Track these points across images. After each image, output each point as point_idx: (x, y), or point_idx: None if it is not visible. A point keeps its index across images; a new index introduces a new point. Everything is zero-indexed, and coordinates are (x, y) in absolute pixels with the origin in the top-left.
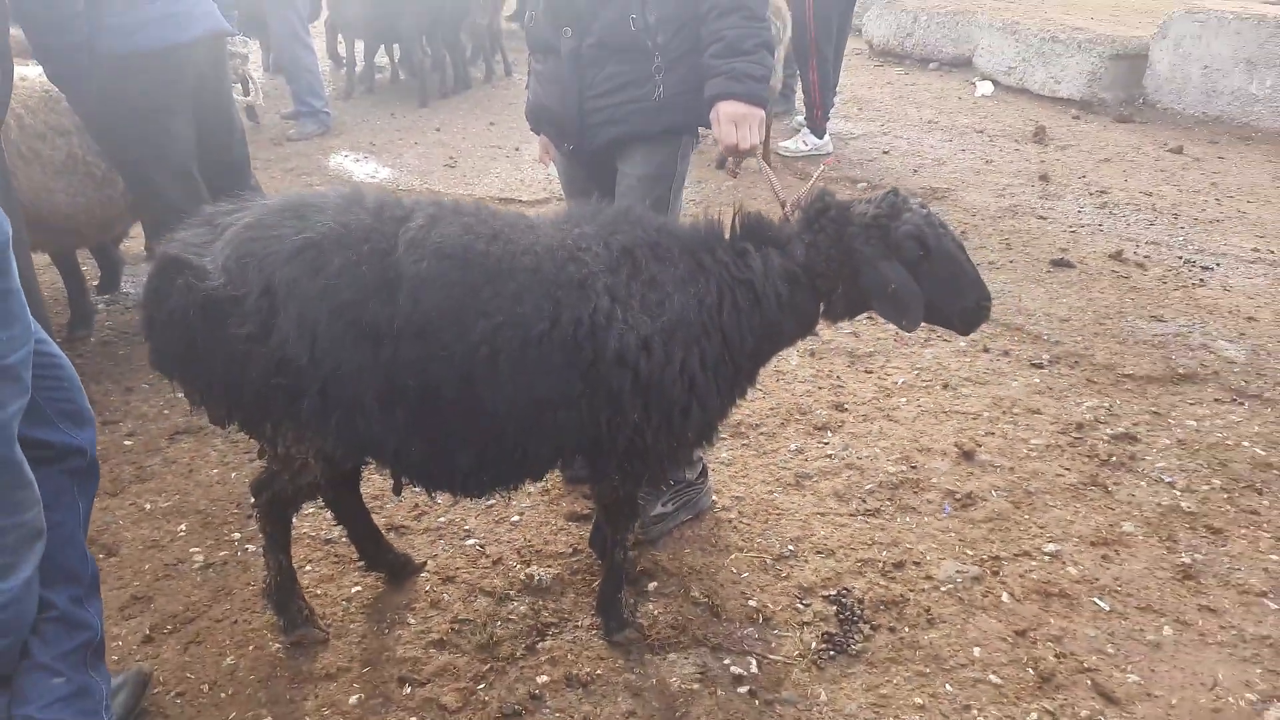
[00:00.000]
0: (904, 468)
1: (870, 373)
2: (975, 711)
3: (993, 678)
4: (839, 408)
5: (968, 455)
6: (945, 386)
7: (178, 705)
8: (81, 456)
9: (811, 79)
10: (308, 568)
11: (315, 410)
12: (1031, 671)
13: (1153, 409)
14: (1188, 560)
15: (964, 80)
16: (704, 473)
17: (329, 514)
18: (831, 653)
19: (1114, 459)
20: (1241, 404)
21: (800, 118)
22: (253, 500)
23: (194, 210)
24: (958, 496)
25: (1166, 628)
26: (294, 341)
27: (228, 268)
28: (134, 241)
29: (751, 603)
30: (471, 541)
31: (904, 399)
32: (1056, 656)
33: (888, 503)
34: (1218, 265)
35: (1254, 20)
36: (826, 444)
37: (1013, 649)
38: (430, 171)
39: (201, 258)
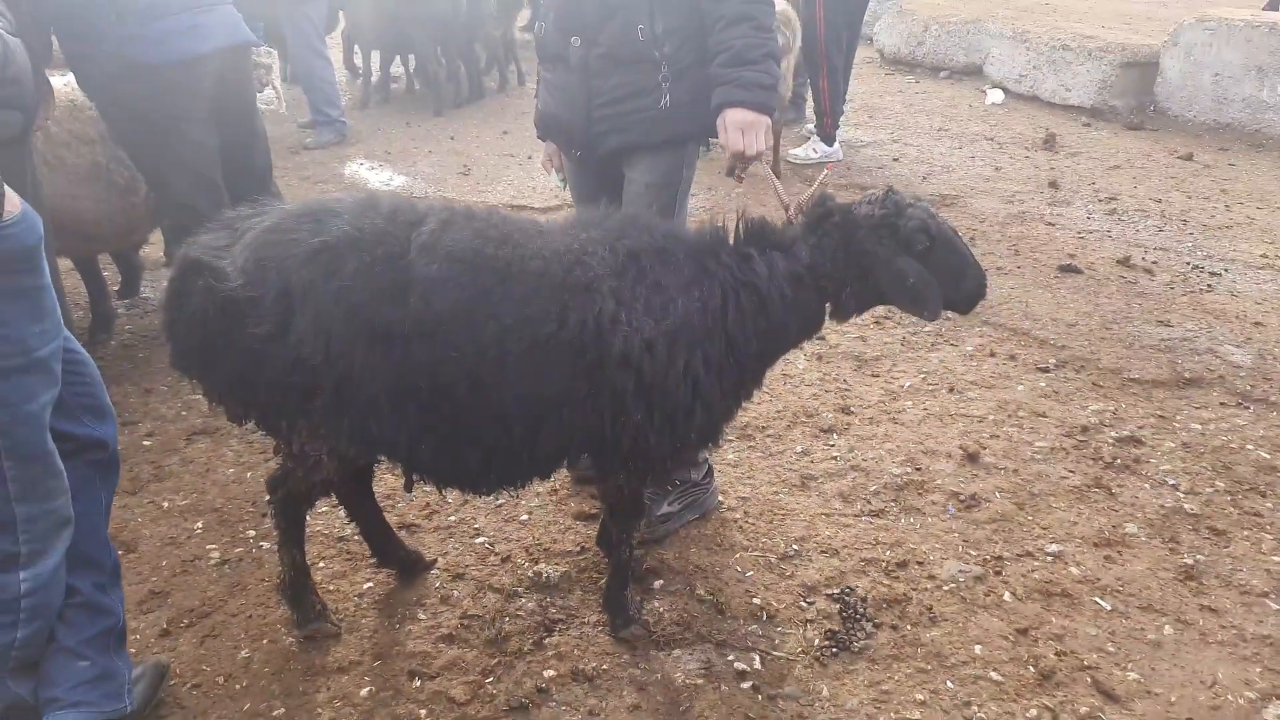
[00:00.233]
0: (909, 470)
1: (877, 376)
2: (975, 707)
3: (993, 675)
4: (845, 411)
5: (972, 458)
6: (951, 390)
7: (194, 696)
8: (103, 449)
9: (822, 87)
10: (321, 564)
11: (329, 409)
12: (1032, 669)
13: (1158, 413)
14: (1190, 561)
15: (975, 88)
16: (709, 473)
17: (342, 512)
18: (834, 650)
19: (1118, 462)
20: (1247, 408)
21: (810, 126)
22: (268, 497)
23: (216, 215)
24: (962, 498)
25: (1167, 627)
26: (309, 342)
27: (246, 270)
28: (154, 248)
29: (756, 600)
30: (481, 539)
31: (910, 402)
32: (1057, 654)
33: (892, 504)
34: (1226, 271)
35: (1265, 28)
36: (832, 446)
37: (1014, 647)
38: (444, 179)
39: (221, 260)
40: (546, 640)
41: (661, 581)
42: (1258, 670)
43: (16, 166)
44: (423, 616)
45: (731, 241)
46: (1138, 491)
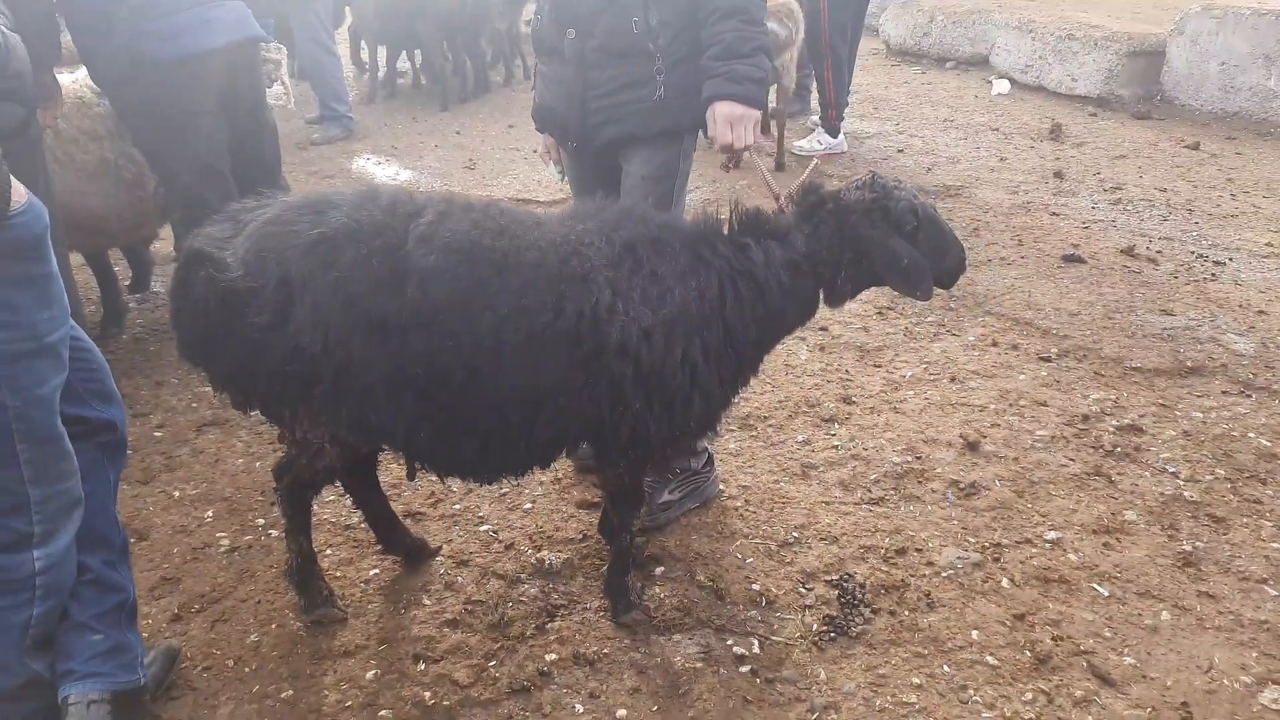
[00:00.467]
0: (909, 458)
1: (879, 367)
2: (971, 691)
3: (990, 659)
4: (847, 401)
5: (972, 446)
6: (953, 380)
7: (205, 678)
8: (112, 431)
9: (826, 79)
10: (328, 551)
11: (328, 397)
12: (1029, 654)
13: (1159, 401)
14: (1189, 548)
15: (981, 79)
16: (710, 462)
17: (348, 501)
18: (832, 634)
19: (1119, 450)
20: (1249, 396)
21: (815, 117)
22: (274, 484)
23: (225, 208)
24: (961, 486)
25: (1165, 613)
26: (308, 331)
27: (247, 260)
28: (164, 243)
29: (755, 587)
30: (485, 527)
31: (911, 392)
32: (1054, 639)
33: (892, 492)
34: (1230, 260)
35: (1272, 16)
36: (833, 435)
37: (1011, 632)
38: (450, 173)
39: (223, 251)
40: (549, 625)
41: (662, 568)
42: (1254, 655)
43: (29, 163)
44: (427, 602)
45: (726, 231)
46: (1138, 479)
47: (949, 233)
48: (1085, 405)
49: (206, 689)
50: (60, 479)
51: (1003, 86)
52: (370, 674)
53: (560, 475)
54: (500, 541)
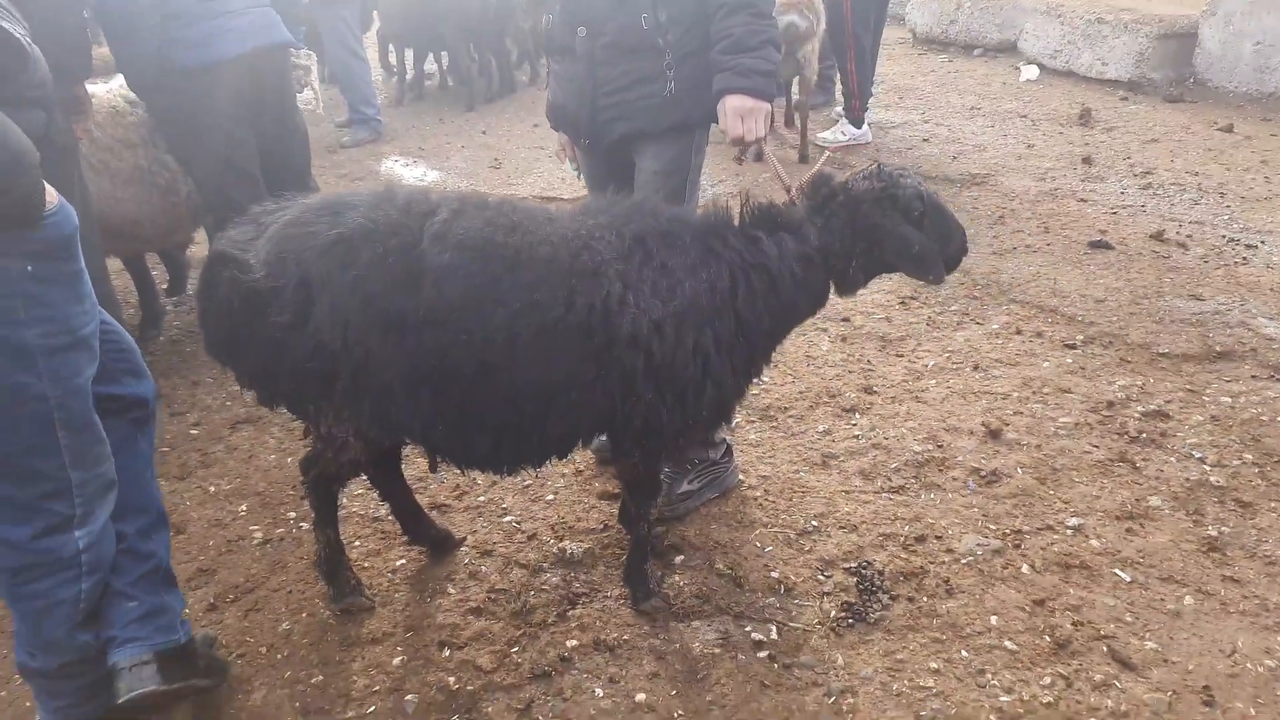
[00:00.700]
0: (930, 447)
1: (901, 356)
2: (989, 675)
3: (1008, 644)
4: (868, 390)
5: (994, 434)
6: (976, 368)
7: (239, 665)
8: (143, 407)
9: (849, 69)
10: (356, 543)
11: (349, 393)
12: (1048, 639)
13: (1187, 387)
14: (1214, 533)
15: (1009, 65)
16: (728, 452)
17: (376, 494)
18: (850, 621)
19: (1144, 436)
20: (1279, 380)
21: (839, 108)
22: (302, 478)
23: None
24: (983, 474)
25: (1188, 597)
26: (327, 329)
27: (268, 261)
28: (200, 247)
29: (774, 574)
30: (509, 518)
31: (933, 381)
32: (1074, 625)
33: (913, 480)
34: (1263, 243)
35: None
36: (854, 425)
37: (1030, 618)
38: (476, 173)
39: (246, 253)
40: (570, 613)
41: (682, 557)
42: (1279, 639)
43: (64, 171)
44: (452, 591)
45: (737, 224)
46: (1163, 465)
47: (952, 217)
48: (1110, 392)
49: (240, 675)
50: (96, 463)
51: (1031, 72)
52: (397, 660)
53: (582, 467)
54: (523, 532)
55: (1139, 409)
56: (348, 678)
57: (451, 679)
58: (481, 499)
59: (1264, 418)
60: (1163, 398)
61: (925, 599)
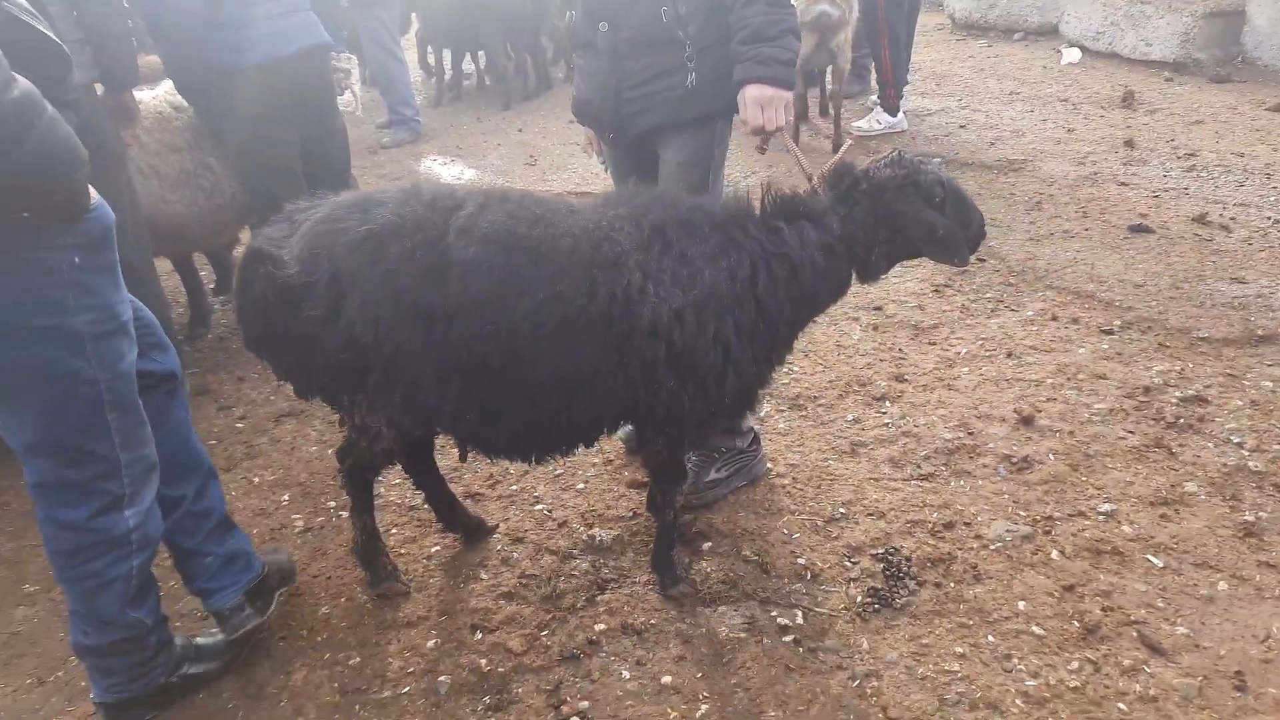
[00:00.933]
0: (961, 434)
1: (934, 344)
2: (1016, 660)
3: (1036, 629)
4: (899, 379)
5: (1027, 421)
6: (1009, 355)
7: (281, 647)
8: (173, 380)
9: (884, 57)
10: (393, 530)
11: (381, 384)
12: (1076, 624)
13: (1227, 371)
14: (1251, 518)
15: (1050, 49)
16: (756, 441)
17: (412, 483)
18: (876, 606)
19: (1181, 421)
20: None
21: (874, 97)
22: (338, 467)
23: None
24: (1014, 460)
25: (1222, 583)
26: (359, 323)
27: (301, 258)
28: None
29: (800, 561)
30: (540, 507)
31: (966, 368)
32: (1103, 610)
33: (942, 468)
34: None
35: None
36: (884, 413)
37: (1059, 603)
38: (511, 170)
39: (280, 250)
40: (598, 598)
41: (710, 544)
42: None
43: (115, 176)
44: (484, 576)
45: (759, 214)
46: (1200, 450)
47: (971, 201)
48: (1147, 377)
49: (282, 656)
50: (141, 445)
51: (1073, 55)
52: (431, 643)
53: (612, 456)
54: (554, 519)
55: (1176, 394)
56: (384, 659)
57: (483, 661)
58: (514, 488)
59: None
60: (1201, 383)
61: (952, 585)
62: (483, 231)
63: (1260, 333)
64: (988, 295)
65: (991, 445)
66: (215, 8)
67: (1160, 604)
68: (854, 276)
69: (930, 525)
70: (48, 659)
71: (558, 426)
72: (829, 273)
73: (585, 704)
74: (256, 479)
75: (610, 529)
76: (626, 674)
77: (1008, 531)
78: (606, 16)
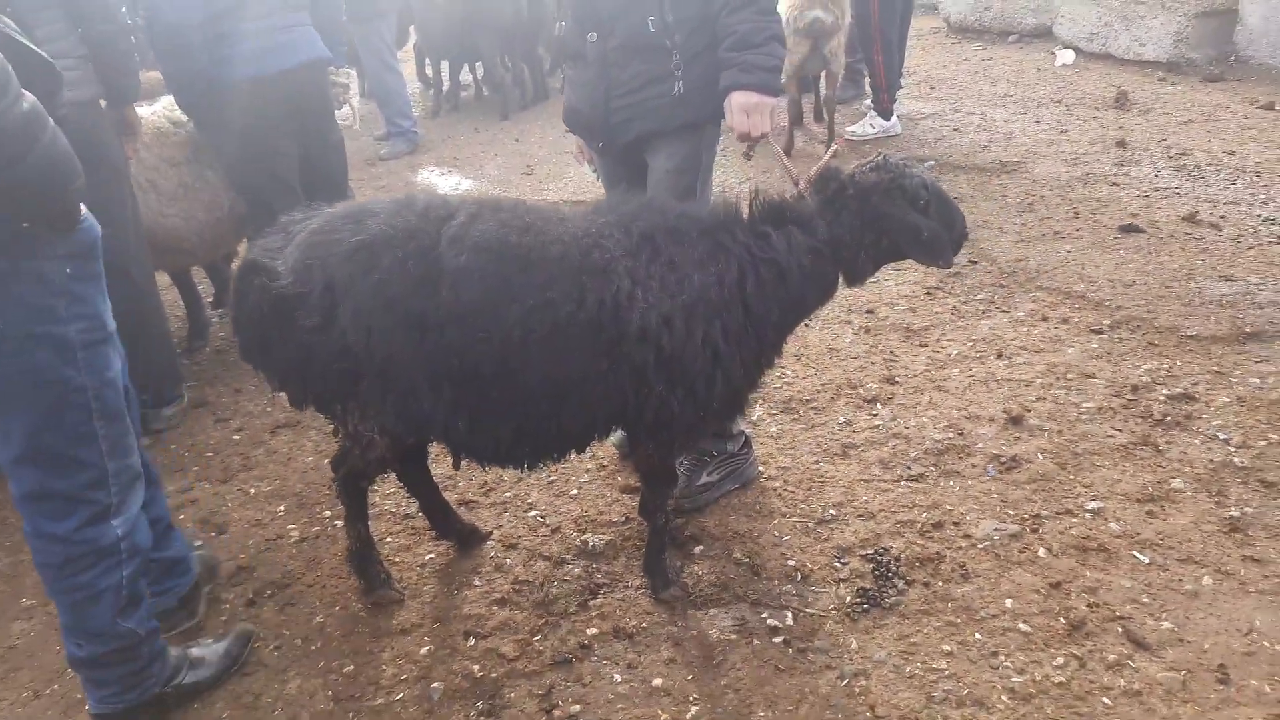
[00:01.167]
0: (951, 435)
1: (924, 346)
2: (1002, 657)
3: (1022, 626)
4: (890, 381)
5: (1016, 420)
6: (999, 356)
7: (275, 656)
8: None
9: (877, 61)
10: (388, 539)
11: (374, 391)
12: (1063, 620)
13: (1215, 369)
14: (1237, 514)
15: (1044, 51)
16: (747, 444)
17: (406, 491)
18: (865, 606)
19: (1168, 419)
20: None
21: (868, 101)
22: (332, 475)
23: None
24: (1002, 460)
25: (1206, 578)
26: (352, 331)
27: (295, 268)
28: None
29: (791, 562)
30: (533, 513)
31: (956, 370)
32: (1089, 606)
33: (932, 468)
34: None
35: None
36: (875, 415)
37: (1045, 600)
38: (509, 180)
39: (274, 261)
40: (591, 602)
41: (701, 547)
42: None
43: (118, 190)
44: (478, 583)
45: (746, 219)
46: (1187, 447)
47: (954, 204)
48: (1136, 376)
49: (277, 665)
50: (127, 453)
51: (1067, 57)
52: (424, 650)
53: (605, 462)
54: (547, 526)
55: (1164, 392)
56: (378, 666)
57: (476, 667)
58: (508, 495)
59: None
60: (1189, 380)
61: (940, 584)
62: (474, 240)
63: (1248, 330)
64: (979, 297)
65: (981, 445)
66: (215, 23)
67: (1145, 599)
68: (840, 280)
69: (919, 525)
70: (44, 672)
71: (549, 432)
72: (816, 276)
73: (577, 708)
74: (253, 490)
75: (603, 534)
76: (618, 677)
77: (996, 530)
78: (595, 26)
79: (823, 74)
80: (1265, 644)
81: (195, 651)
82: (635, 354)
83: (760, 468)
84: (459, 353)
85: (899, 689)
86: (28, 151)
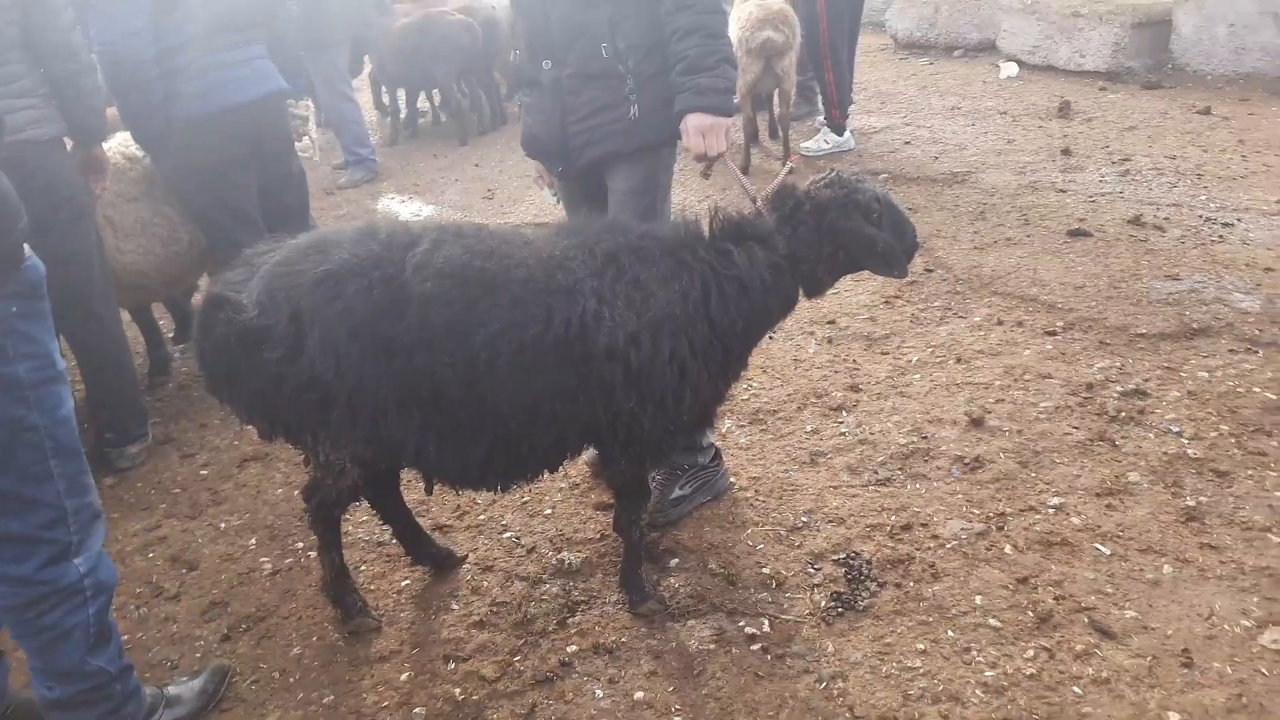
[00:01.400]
0: (915, 439)
1: (886, 354)
2: (975, 652)
3: (992, 622)
4: (854, 389)
5: (977, 422)
6: (959, 360)
7: (253, 690)
8: None
9: (828, 79)
10: (362, 567)
11: (344, 420)
12: (1031, 614)
13: (1164, 365)
14: (1192, 503)
15: (989, 64)
16: (717, 456)
17: (379, 519)
18: (840, 609)
19: (1123, 415)
20: (1255, 352)
21: (821, 118)
22: (304, 506)
23: None
24: (966, 461)
25: (1166, 566)
26: (320, 361)
27: (260, 301)
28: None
29: (765, 570)
30: (508, 534)
31: (918, 375)
32: (1055, 599)
33: (898, 472)
34: (1239, 221)
35: None
36: (841, 423)
37: (1013, 595)
38: (470, 205)
39: (239, 294)
40: (569, 620)
41: (677, 560)
42: (1255, 600)
43: (84, 228)
44: (455, 606)
45: (707, 236)
46: (1141, 441)
47: (904, 213)
48: (1090, 375)
49: (255, 699)
50: (85, 492)
51: (1011, 69)
52: (404, 676)
53: (578, 481)
54: (522, 546)
55: (1118, 389)
56: (358, 695)
57: (457, 690)
58: (481, 518)
59: (1240, 389)
60: (1141, 376)
61: (912, 584)
62: (438, 266)
63: (1195, 326)
64: (936, 304)
65: (944, 448)
66: (170, 57)
67: (1109, 590)
68: (801, 293)
69: (889, 528)
70: None
71: (521, 453)
72: (778, 290)
73: None
74: (223, 524)
75: (579, 552)
76: (600, 693)
77: (963, 530)
78: (549, 54)
79: (776, 92)
80: (1225, 627)
81: (172, 690)
82: (604, 372)
83: (731, 479)
84: (428, 378)
85: (876, 689)
86: None
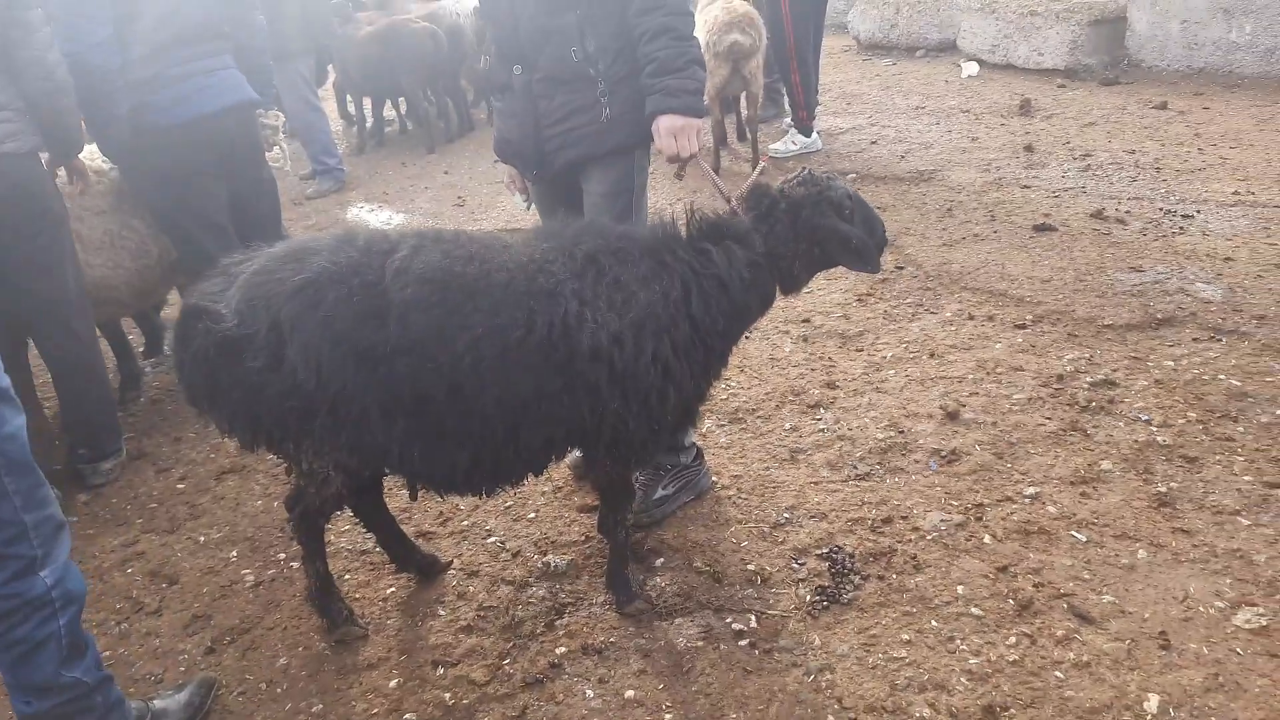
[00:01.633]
0: (892, 433)
1: (861, 351)
2: (958, 641)
3: (974, 610)
4: (831, 386)
5: (952, 416)
6: (932, 355)
7: (240, 702)
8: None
9: (794, 81)
10: (347, 576)
11: (327, 427)
12: (1011, 602)
13: (1132, 355)
14: (1164, 489)
15: (951, 64)
16: (699, 456)
17: (362, 527)
18: (825, 603)
19: (1093, 404)
20: (1219, 340)
21: (788, 120)
22: (287, 515)
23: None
24: (943, 454)
25: (1141, 551)
26: (301, 369)
27: (239, 310)
28: (174, 309)
29: (750, 567)
30: (493, 539)
31: (892, 371)
32: (1035, 587)
33: (877, 466)
34: (1198, 212)
35: None
36: (819, 420)
37: (994, 584)
38: (441, 213)
39: (217, 304)
40: (557, 622)
41: (662, 559)
42: (1228, 582)
43: (60, 241)
44: (442, 612)
45: (685, 236)
46: (1112, 430)
47: (873, 210)
48: (1060, 366)
49: (243, 711)
50: (44, 504)
51: (972, 69)
52: (393, 683)
53: (561, 484)
54: (508, 550)
55: (1088, 379)
56: (347, 704)
57: (447, 695)
58: (466, 523)
59: (1205, 377)
60: (1110, 367)
61: (895, 576)
62: (418, 272)
63: (1159, 316)
64: (908, 300)
65: (921, 441)
66: (138, 67)
67: (1086, 576)
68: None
69: (870, 522)
70: None
71: (506, 457)
72: (756, 287)
73: None
74: (202, 538)
75: (564, 554)
76: (590, 693)
77: (942, 521)
78: (519, 59)
79: (743, 95)
80: (1200, 609)
81: (157, 703)
82: (588, 373)
83: (714, 477)
84: (411, 384)
85: (863, 680)
86: None
